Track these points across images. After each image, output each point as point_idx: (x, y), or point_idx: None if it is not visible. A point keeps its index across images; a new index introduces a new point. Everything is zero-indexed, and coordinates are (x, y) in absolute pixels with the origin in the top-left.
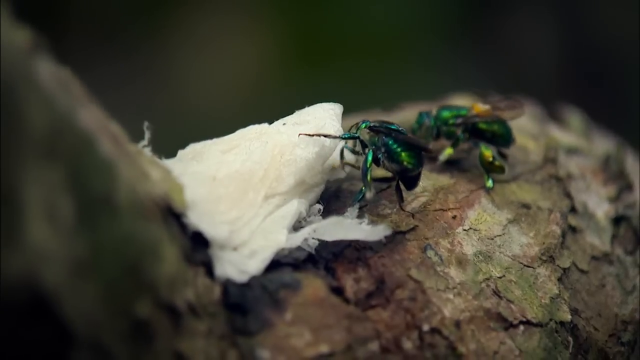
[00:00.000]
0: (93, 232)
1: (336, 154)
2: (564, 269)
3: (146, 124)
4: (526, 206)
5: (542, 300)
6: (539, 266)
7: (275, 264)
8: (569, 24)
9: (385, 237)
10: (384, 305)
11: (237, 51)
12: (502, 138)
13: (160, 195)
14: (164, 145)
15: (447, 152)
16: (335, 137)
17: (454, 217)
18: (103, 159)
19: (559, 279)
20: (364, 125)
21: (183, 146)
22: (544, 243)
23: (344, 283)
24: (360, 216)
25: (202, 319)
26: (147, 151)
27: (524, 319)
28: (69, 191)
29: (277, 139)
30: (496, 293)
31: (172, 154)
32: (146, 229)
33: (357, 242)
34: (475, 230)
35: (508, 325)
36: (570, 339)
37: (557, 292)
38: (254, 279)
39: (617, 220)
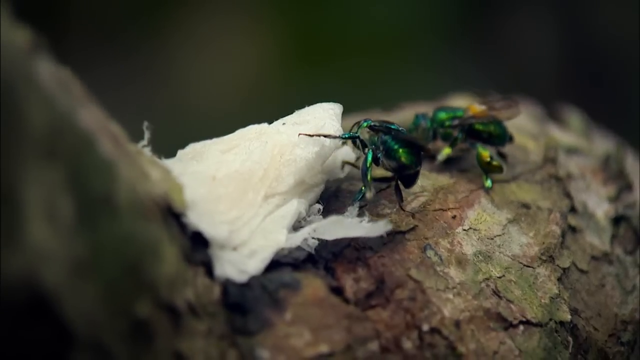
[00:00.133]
0: (93, 232)
1: (336, 154)
2: (564, 269)
3: (146, 124)
4: (526, 206)
5: (542, 300)
6: (538, 266)
7: (275, 264)
8: (569, 24)
9: (387, 233)
10: (383, 305)
11: (237, 51)
12: (498, 138)
13: (160, 195)
14: (164, 145)
15: (445, 151)
16: (335, 137)
17: (454, 217)
18: (103, 159)
19: (559, 279)
20: (365, 124)
21: (183, 146)
22: (543, 243)
23: (344, 283)
24: (360, 215)
25: (201, 319)
26: (147, 151)
27: (524, 319)
28: (69, 191)
29: (276, 139)
30: (496, 293)
31: (172, 154)
32: (146, 229)
33: (356, 242)
34: (475, 230)
35: (508, 325)
36: (570, 338)
37: (556, 292)
38: (253, 278)
39: (617, 220)
